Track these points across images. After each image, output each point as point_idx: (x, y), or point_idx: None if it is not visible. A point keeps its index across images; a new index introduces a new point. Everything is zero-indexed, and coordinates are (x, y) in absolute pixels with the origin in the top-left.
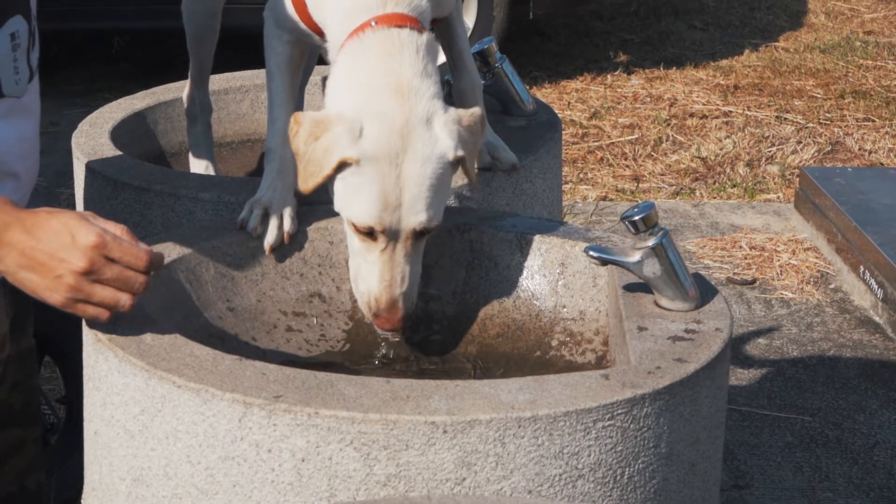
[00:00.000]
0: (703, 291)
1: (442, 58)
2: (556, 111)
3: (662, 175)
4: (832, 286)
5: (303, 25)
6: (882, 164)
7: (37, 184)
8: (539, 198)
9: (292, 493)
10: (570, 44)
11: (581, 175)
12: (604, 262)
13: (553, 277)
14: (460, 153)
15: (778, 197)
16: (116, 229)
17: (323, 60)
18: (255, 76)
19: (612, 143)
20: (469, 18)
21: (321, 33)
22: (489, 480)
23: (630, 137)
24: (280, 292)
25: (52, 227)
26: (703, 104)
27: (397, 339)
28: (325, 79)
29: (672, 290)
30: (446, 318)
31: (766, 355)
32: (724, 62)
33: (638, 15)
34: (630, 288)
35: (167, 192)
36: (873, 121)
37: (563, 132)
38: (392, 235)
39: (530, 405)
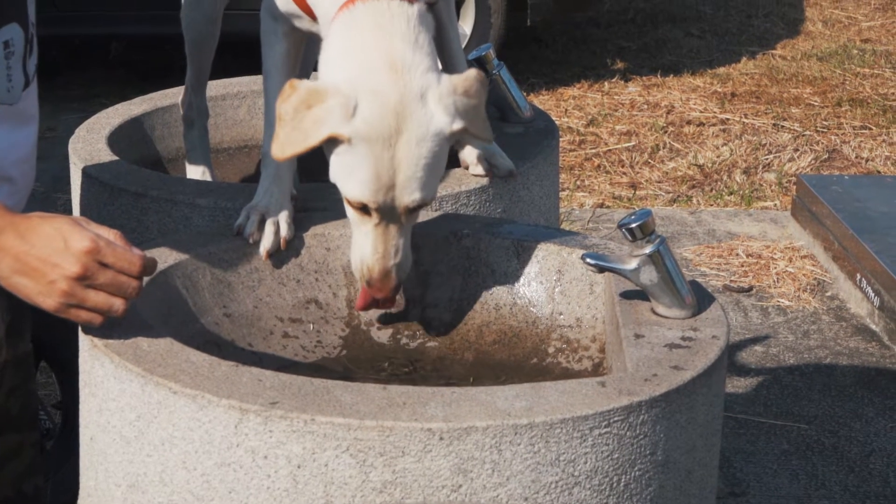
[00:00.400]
0: (700, 299)
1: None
2: (554, 118)
3: (659, 182)
4: (829, 294)
5: (295, 6)
6: (879, 172)
7: (33, 189)
8: (536, 205)
9: (288, 499)
10: (567, 51)
11: (578, 182)
12: (601, 270)
13: (550, 284)
14: (458, 126)
15: (775, 204)
16: (110, 234)
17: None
18: (253, 82)
19: (609, 150)
20: (466, 25)
21: (314, 16)
22: (485, 487)
23: (627, 144)
24: (277, 298)
25: (45, 232)
26: (700, 112)
27: (393, 311)
28: None
29: (669, 298)
30: (443, 325)
31: (762, 363)
32: (722, 70)
33: (635, 22)
34: (627, 295)
35: (164, 197)
36: (870, 129)
37: (561, 139)
38: (386, 212)
39: (527, 412)
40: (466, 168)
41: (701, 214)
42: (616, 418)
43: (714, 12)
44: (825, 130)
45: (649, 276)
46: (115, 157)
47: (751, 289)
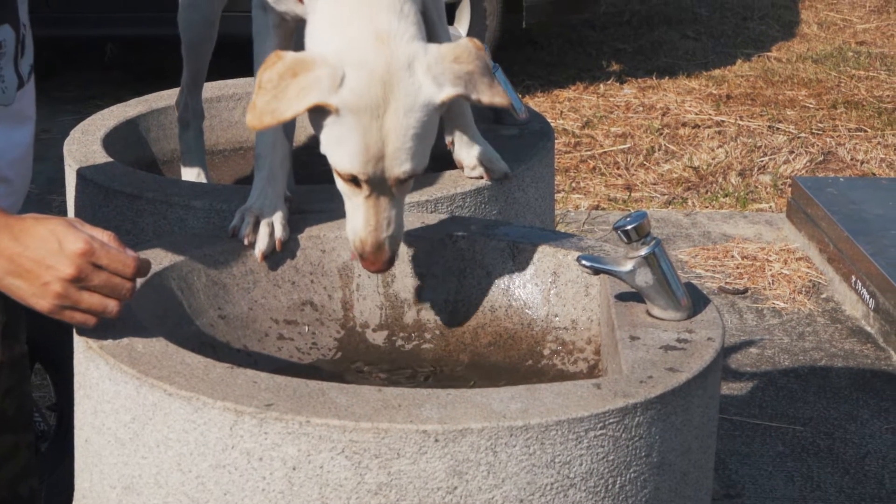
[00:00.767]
0: (696, 301)
1: None
2: (549, 120)
3: (655, 184)
4: (824, 296)
5: None
6: (874, 174)
7: (29, 190)
8: (531, 207)
9: (283, 501)
10: (562, 53)
11: (573, 184)
12: (596, 272)
13: (545, 286)
14: (447, 94)
15: (770, 206)
16: (104, 236)
17: None
18: (248, 84)
19: (605, 152)
20: (462, 27)
21: None
22: (480, 489)
23: (622, 147)
24: (272, 300)
25: (39, 233)
26: (696, 114)
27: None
28: None
29: (664, 300)
30: (438, 327)
31: (757, 365)
32: (717, 72)
33: (631, 24)
34: (622, 297)
35: (159, 199)
36: (865, 131)
37: (556, 141)
38: (377, 184)
39: (522, 414)
40: (462, 169)
41: (696, 216)
42: (611, 420)
43: (709, 14)
44: (820, 132)
45: (645, 278)
46: (110, 159)
47: (746, 291)
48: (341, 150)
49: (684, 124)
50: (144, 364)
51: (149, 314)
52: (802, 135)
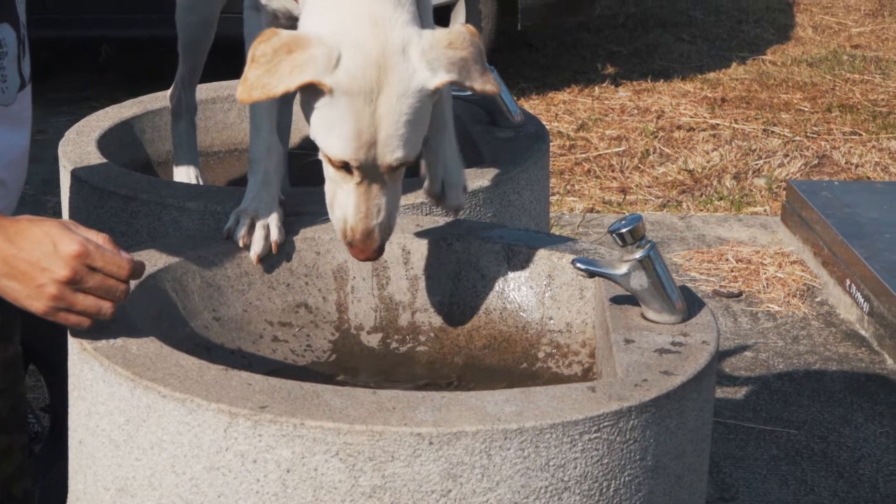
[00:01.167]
0: (690, 304)
1: None
2: (544, 122)
3: (649, 187)
4: (818, 299)
5: None
6: (868, 177)
7: (23, 191)
8: (526, 209)
9: (277, 503)
10: (557, 55)
11: (568, 187)
12: (591, 275)
13: (540, 289)
14: (440, 80)
15: (765, 210)
16: (98, 238)
17: None
18: None
19: (600, 154)
20: None
21: None
22: (475, 492)
23: (617, 149)
24: (266, 302)
25: (34, 235)
26: (691, 117)
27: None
28: None
29: (659, 303)
30: (433, 329)
31: (751, 368)
32: (712, 75)
33: (626, 27)
34: (617, 300)
35: (154, 201)
36: (860, 134)
37: (551, 144)
38: (368, 170)
39: (516, 417)
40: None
41: (691, 219)
42: (606, 423)
43: (705, 18)
44: (815, 136)
45: (639, 281)
46: (105, 160)
47: (740, 294)
48: (332, 134)
49: (679, 127)
50: (139, 366)
51: (143, 316)
52: (797, 138)
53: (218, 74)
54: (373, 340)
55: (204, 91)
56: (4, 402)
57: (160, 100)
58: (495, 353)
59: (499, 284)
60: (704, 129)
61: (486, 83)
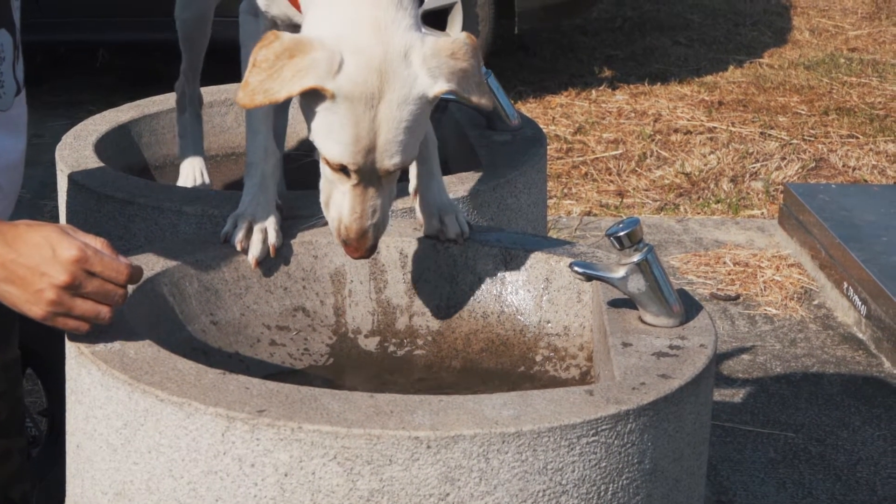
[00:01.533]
0: (688, 307)
1: None
2: (541, 126)
3: (647, 190)
4: (816, 302)
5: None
6: (866, 180)
7: (20, 195)
8: (524, 213)
9: None
10: (554, 59)
11: (565, 190)
12: (588, 278)
13: (537, 293)
14: (440, 89)
15: (762, 213)
16: (97, 243)
17: None
18: None
19: (597, 158)
20: (454, 33)
21: (299, 6)
22: (472, 496)
23: (614, 153)
24: (264, 306)
25: (32, 240)
26: (688, 120)
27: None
28: None
29: (657, 306)
30: (430, 333)
31: (749, 371)
32: (709, 78)
33: (623, 30)
34: (614, 304)
35: (151, 205)
36: (857, 137)
37: (548, 147)
38: (365, 173)
39: (514, 421)
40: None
41: (688, 223)
42: (604, 427)
43: (702, 21)
44: (812, 139)
45: (637, 284)
46: (102, 164)
47: (738, 297)
48: (332, 138)
49: (676, 130)
50: (136, 370)
51: (141, 320)
52: (794, 141)
53: (215, 79)
54: (370, 344)
55: (202, 95)
56: (3, 406)
57: (157, 103)
58: (493, 356)
59: (496, 288)
60: (701, 133)
61: (482, 96)
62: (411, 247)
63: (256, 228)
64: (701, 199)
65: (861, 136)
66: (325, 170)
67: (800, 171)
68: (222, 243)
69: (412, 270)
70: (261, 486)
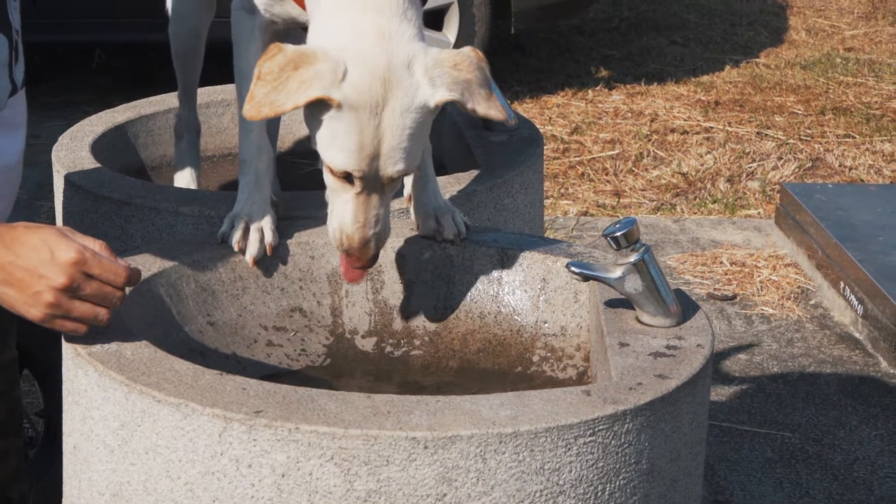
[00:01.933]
0: (685, 307)
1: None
2: (538, 126)
3: (643, 190)
4: (812, 302)
5: None
6: (862, 180)
7: (17, 196)
8: (520, 213)
9: None
10: (551, 59)
11: (562, 190)
12: (585, 278)
13: (534, 293)
14: (441, 98)
15: (759, 213)
16: (95, 245)
17: None
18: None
19: (593, 158)
20: (451, 33)
21: (303, 3)
22: (470, 496)
23: (611, 153)
24: (261, 307)
25: (31, 242)
26: (684, 120)
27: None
28: None
29: (653, 307)
30: (427, 333)
31: (746, 371)
32: (705, 78)
33: (619, 30)
34: (611, 304)
35: (147, 205)
36: (854, 137)
37: (545, 147)
38: (369, 181)
39: (511, 421)
40: (417, 228)
41: (685, 223)
42: (601, 427)
43: (698, 20)
44: (809, 139)
45: (634, 284)
46: (99, 165)
47: (735, 297)
48: (336, 146)
49: (673, 130)
50: (133, 371)
51: (137, 321)
52: (791, 141)
53: (211, 79)
54: (367, 344)
55: (198, 95)
56: (1, 407)
57: (154, 104)
58: (490, 356)
59: (493, 288)
60: (698, 133)
61: (490, 108)
62: (408, 247)
63: (253, 228)
64: (698, 199)
65: (857, 136)
66: (328, 179)
67: (796, 170)
68: (219, 244)
69: (409, 271)
70: (258, 487)
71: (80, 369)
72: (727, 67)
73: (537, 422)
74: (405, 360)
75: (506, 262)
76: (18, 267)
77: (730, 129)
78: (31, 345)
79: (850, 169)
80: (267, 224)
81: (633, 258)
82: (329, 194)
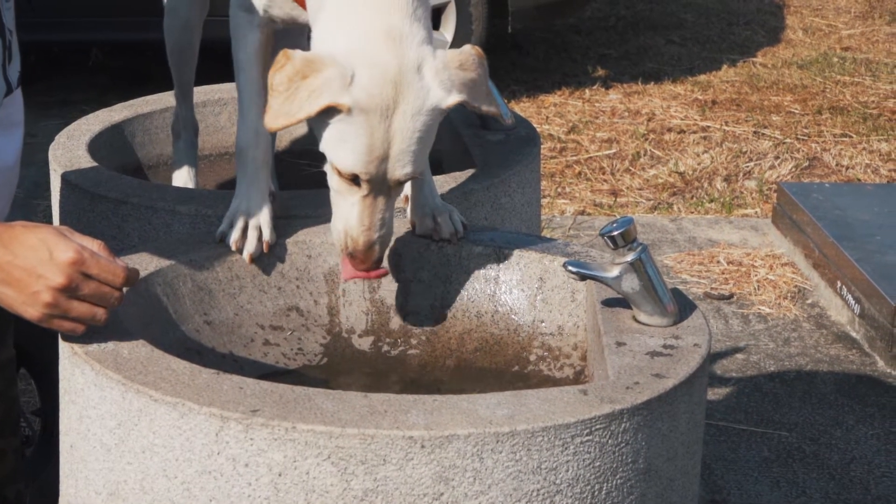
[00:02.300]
0: (682, 307)
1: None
2: (535, 125)
3: (640, 190)
4: (809, 301)
5: None
6: (859, 179)
7: (14, 195)
8: (517, 212)
9: None
10: (548, 58)
11: (559, 189)
12: (582, 277)
13: (531, 292)
14: (453, 100)
15: (756, 212)
16: (94, 245)
17: None
18: (234, 89)
19: (590, 157)
20: (448, 32)
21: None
22: (467, 496)
23: (608, 152)
24: (257, 306)
25: (29, 242)
26: (681, 119)
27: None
28: None
29: (650, 306)
30: (424, 333)
31: (743, 370)
32: (702, 77)
33: (616, 29)
34: (608, 303)
35: (144, 204)
36: (850, 136)
37: (542, 146)
38: (376, 184)
39: (508, 420)
40: (413, 228)
41: (682, 222)
42: (598, 426)
43: (695, 20)
44: (805, 138)
45: (631, 283)
46: (96, 164)
47: (731, 296)
48: (345, 148)
49: (670, 129)
50: (130, 370)
51: (134, 320)
52: (788, 140)
53: (208, 78)
54: (364, 344)
55: (195, 94)
56: None
57: (150, 103)
58: (487, 356)
59: (490, 287)
60: (695, 132)
61: (490, 105)
62: (405, 247)
63: (251, 225)
64: (694, 199)
65: (854, 135)
66: (333, 181)
67: (793, 170)
68: (217, 243)
69: (406, 270)
70: (255, 486)
71: (76, 368)
72: (724, 67)
73: (534, 421)
74: (402, 359)
75: (503, 261)
76: (17, 266)
77: (727, 128)
78: (27, 344)
79: (847, 168)
80: (265, 221)
81: (629, 257)
82: (334, 196)
